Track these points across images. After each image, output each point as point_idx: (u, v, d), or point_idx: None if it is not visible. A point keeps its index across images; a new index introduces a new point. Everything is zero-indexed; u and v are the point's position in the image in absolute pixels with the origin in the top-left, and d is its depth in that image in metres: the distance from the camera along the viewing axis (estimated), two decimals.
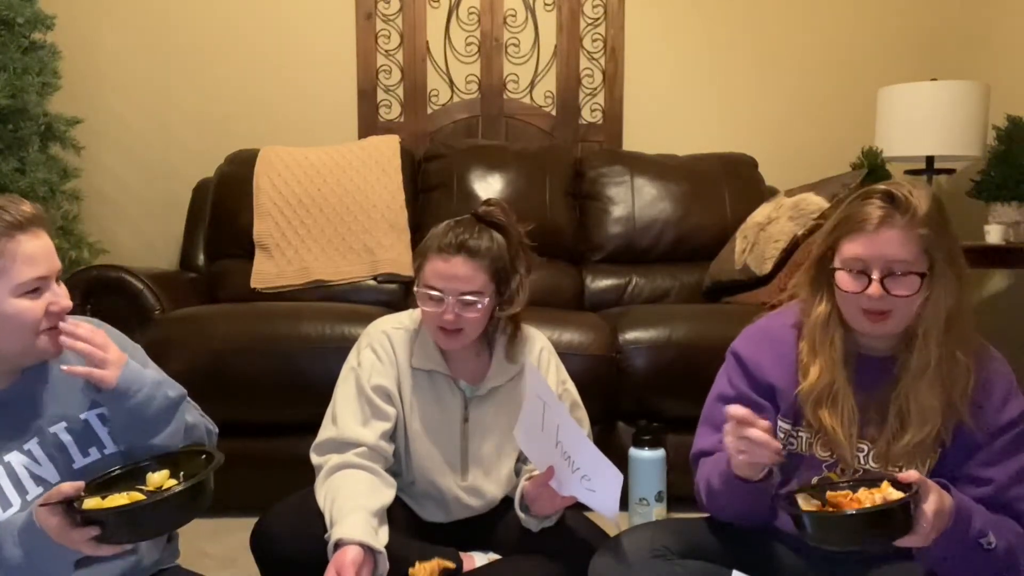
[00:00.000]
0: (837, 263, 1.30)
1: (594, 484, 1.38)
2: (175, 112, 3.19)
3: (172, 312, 2.33)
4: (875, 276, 1.25)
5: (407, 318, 1.67)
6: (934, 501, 1.14)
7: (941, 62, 3.23)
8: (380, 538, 1.40)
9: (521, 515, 1.55)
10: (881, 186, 1.30)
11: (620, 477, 1.36)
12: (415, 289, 1.58)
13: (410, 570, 1.42)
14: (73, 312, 1.23)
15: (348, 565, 1.32)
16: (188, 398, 1.35)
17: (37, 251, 1.16)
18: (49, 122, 2.72)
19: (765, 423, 1.23)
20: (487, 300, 1.55)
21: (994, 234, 2.85)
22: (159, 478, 1.18)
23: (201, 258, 2.96)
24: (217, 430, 1.44)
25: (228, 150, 3.00)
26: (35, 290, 1.16)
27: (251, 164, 2.89)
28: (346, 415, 1.56)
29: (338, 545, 1.36)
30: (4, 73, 2.53)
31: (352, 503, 1.42)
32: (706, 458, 1.43)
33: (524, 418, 1.49)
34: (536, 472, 1.53)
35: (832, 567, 1.35)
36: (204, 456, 1.22)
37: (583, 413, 1.72)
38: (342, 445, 1.53)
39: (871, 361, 1.34)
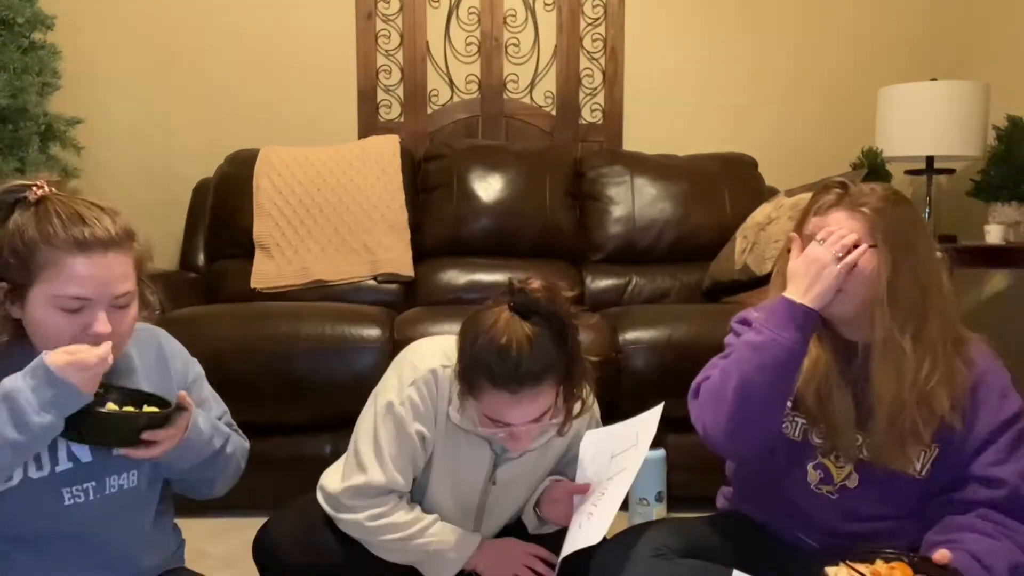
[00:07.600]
0: None
1: (584, 529, 1.37)
2: (175, 112, 3.19)
3: (172, 312, 2.33)
4: None
5: (453, 353, 1.43)
6: None
7: (941, 62, 3.23)
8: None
9: (529, 510, 1.55)
10: (839, 178, 1.37)
11: (596, 541, 1.35)
12: (475, 417, 1.42)
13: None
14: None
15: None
16: (228, 416, 1.43)
17: (88, 274, 1.13)
18: (49, 122, 2.72)
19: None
20: (554, 409, 1.41)
21: (994, 234, 2.85)
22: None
23: (201, 258, 2.97)
24: (248, 445, 1.45)
25: (228, 150, 3.00)
26: (74, 309, 1.14)
27: (251, 164, 2.89)
28: (387, 459, 1.46)
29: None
30: (4, 73, 2.53)
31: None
32: (714, 369, 1.37)
33: (605, 434, 1.46)
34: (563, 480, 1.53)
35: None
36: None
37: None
38: (389, 491, 1.46)
39: (861, 349, 1.34)
